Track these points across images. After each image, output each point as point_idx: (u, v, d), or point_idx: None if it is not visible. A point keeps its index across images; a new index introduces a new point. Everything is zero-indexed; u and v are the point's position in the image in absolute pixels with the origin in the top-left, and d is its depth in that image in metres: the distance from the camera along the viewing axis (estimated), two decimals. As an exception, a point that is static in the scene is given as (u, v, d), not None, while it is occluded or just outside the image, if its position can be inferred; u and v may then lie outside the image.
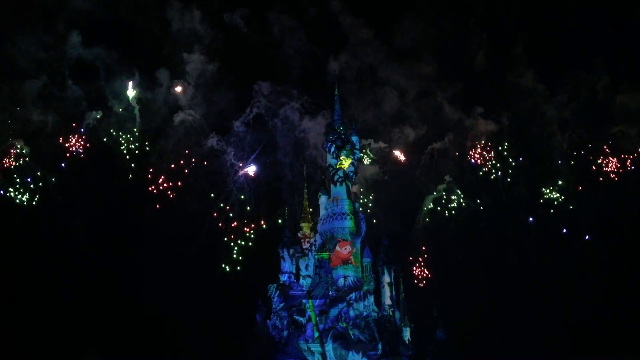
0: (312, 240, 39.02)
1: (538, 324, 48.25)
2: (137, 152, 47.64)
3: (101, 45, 47.56)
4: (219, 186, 47.93)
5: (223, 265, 45.81)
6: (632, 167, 49.18)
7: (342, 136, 35.81)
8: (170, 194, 46.99)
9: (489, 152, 50.98)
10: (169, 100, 49.26)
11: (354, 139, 36.65)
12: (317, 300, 34.40)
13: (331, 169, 35.81)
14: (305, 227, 40.43)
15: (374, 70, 52.63)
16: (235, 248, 46.32)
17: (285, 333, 34.86)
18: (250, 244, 46.68)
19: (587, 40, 53.03)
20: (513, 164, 50.94)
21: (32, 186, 44.89)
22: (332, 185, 36.02)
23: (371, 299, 34.58)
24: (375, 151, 49.84)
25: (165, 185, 46.99)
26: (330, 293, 34.13)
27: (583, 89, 51.73)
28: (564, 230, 49.73)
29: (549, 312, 48.17)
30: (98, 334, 45.03)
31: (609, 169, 49.60)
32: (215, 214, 47.14)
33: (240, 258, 46.03)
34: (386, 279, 36.62)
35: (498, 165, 50.62)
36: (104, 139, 47.69)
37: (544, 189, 50.10)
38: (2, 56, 45.53)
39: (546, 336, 47.89)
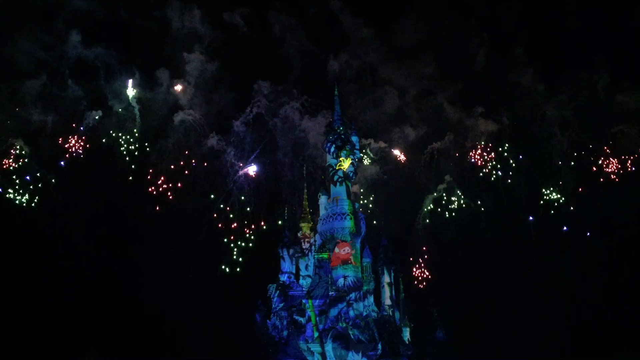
0: (312, 240, 39.00)
1: (538, 324, 48.25)
2: (136, 153, 47.59)
3: (101, 45, 47.62)
4: (219, 186, 47.99)
5: (223, 267, 45.76)
6: (633, 169, 49.08)
7: (342, 136, 35.77)
8: (169, 195, 47.01)
9: (489, 153, 50.93)
10: (168, 100, 49.29)
11: (354, 139, 36.62)
12: (317, 301, 34.36)
13: (331, 169, 35.79)
14: (305, 227, 40.42)
15: (374, 70, 52.80)
16: (235, 250, 46.27)
17: (285, 333, 34.87)
18: (250, 245, 46.65)
19: (587, 40, 53.15)
20: (513, 165, 50.88)
21: (31, 187, 44.83)
22: (331, 185, 36.00)
23: (371, 299, 34.55)
24: (376, 151, 49.84)
25: (164, 186, 46.96)
26: (330, 293, 34.09)
27: (583, 89, 51.72)
28: (565, 228, 49.59)
29: (549, 312, 48.18)
30: (98, 334, 45.01)
31: (610, 170, 49.53)
32: (215, 214, 47.17)
33: (240, 259, 45.99)
34: (386, 279, 36.59)
35: (498, 166, 50.53)
36: (104, 140, 47.66)
37: (544, 190, 50.04)
38: (1, 56, 45.44)
39: (546, 336, 47.88)
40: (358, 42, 52.18)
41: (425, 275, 47.79)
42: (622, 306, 47.20)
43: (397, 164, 50.90)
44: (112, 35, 48.57)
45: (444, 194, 50.28)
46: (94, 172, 47.46)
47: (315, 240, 37.67)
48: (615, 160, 49.59)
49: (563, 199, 49.70)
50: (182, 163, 47.67)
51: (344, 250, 34.14)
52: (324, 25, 52.71)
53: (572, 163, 50.58)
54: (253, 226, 47.08)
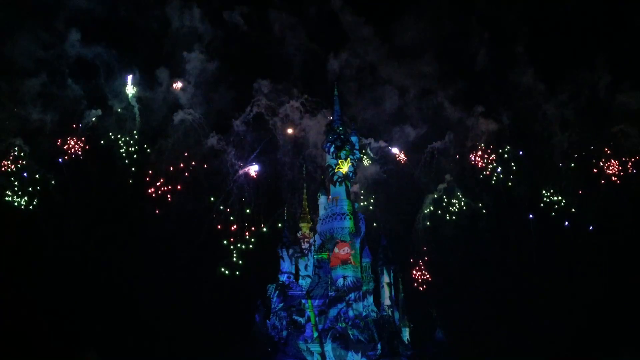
0: (311, 241, 39.01)
1: (538, 324, 48.24)
2: (135, 156, 47.55)
3: (101, 44, 47.54)
4: (219, 186, 47.94)
5: (222, 269, 45.74)
6: (634, 171, 48.98)
7: (342, 136, 35.71)
8: (168, 198, 47.00)
9: (489, 155, 50.85)
10: (168, 99, 49.25)
11: (354, 138, 36.54)
12: (317, 301, 34.36)
13: (330, 169, 35.72)
14: (305, 227, 40.41)
15: (374, 69, 52.68)
16: (235, 253, 46.25)
17: (284, 333, 34.87)
18: (250, 246, 46.61)
19: (588, 40, 53.07)
20: (514, 166, 50.80)
21: (30, 189, 44.79)
22: (331, 185, 35.93)
23: (370, 299, 34.60)
24: (376, 150, 49.77)
25: (163, 189, 46.91)
26: (330, 293, 34.09)
27: (584, 88, 51.66)
28: (566, 224, 49.47)
29: (549, 312, 48.15)
30: (98, 334, 45.05)
31: (611, 172, 49.43)
32: (214, 215, 47.15)
33: (240, 262, 45.97)
34: (385, 279, 36.68)
35: (499, 168, 50.44)
36: (102, 142, 47.58)
37: (544, 191, 49.97)
38: (1, 54, 45.35)
39: (546, 336, 47.88)
40: (358, 41, 52.15)
41: (425, 277, 47.76)
42: (623, 306, 47.19)
43: (397, 163, 50.90)
44: (111, 34, 48.62)
45: (444, 195, 50.22)
46: (94, 173, 47.49)
47: (314, 240, 37.70)
48: (617, 162, 49.49)
49: (564, 201, 49.60)
50: (182, 165, 47.64)
51: (343, 251, 34.12)
52: (324, 24, 52.72)
53: (573, 164, 50.53)
54: (253, 228, 47.06)
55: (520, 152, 51.47)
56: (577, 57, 52.29)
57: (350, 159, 35.38)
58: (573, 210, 49.15)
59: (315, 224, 37.26)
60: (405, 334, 36.52)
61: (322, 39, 51.96)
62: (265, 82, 49.16)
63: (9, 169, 44.41)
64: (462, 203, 50.00)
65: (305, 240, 39.90)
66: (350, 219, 34.57)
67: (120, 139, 47.54)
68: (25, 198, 44.44)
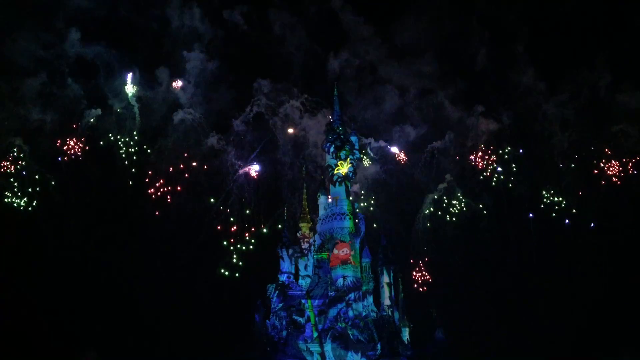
0: (311, 240, 39.00)
1: (538, 324, 48.20)
2: (134, 157, 47.50)
3: (101, 43, 47.52)
4: (219, 187, 47.92)
5: (222, 271, 45.72)
6: (635, 172, 48.91)
7: (341, 136, 35.67)
8: (168, 198, 46.97)
9: (490, 156, 50.79)
10: (168, 99, 49.22)
11: (353, 138, 36.53)
12: (316, 301, 34.38)
13: (330, 169, 35.70)
14: (305, 227, 40.39)
15: (374, 69, 52.63)
16: (235, 254, 46.22)
17: (284, 333, 34.88)
18: (251, 247, 46.58)
19: (588, 39, 52.99)
20: (514, 166, 50.74)
21: (30, 190, 44.77)
22: (331, 185, 35.91)
23: (370, 299, 34.61)
24: (376, 150, 49.72)
25: (162, 190, 46.88)
26: (330, 293, 34.10)
27: (584, 88, 51.58)
28: (567, 221, 49.41)
29: (549, 312, 48.13)
30: (98, 334, 45.06)
31: (611, 173, 49.36)
32: (214, 215, 47.14)
33: (240, 263, 45.92)
34: (385, 279, 36.69)
35: (499, 169, 50.37)
36: (101, 143, 47.56)
37: (544, 192, 49.93)
38: (1, 54, 45.31)
39: (546, 336, 47.86)
40: (358, 41, 52.11)
41: (425, 278, 47.74)
42: (623, 306, 47.17)
43: (397, 163, 50.84)
44: (111, 33, 48.62)
45: (444, 195, 50.18)
46: (93, 173, 47.47)
47: (314, 240, 37.70)
48: (617, 163, 49.43)
49: (564, 202, 49.55)
50: (182, 166, 47.61)
51: (343, 251, 34.12)
52: (324, 24, 52.66)
53: (573, 165, 50.48)
54: (253, 229, 47.03)
55: (521, 151, 51.46)
56: (577, 56, 52.28)
57: (350, 159, 35.34)
58: (574, 211, 49.11)
59: (315, 224, 37.26)
60: (405, 334, 36.49)
61: (322, 38, 52.02)
62: (265, 81, 49.23)
63: (8, 170, 44.41)
64: (463, 203, 49.97)
65: (305, 240, 39.88)
66: (350, 219, 34.56)
67: (120, 140, 47.55)
68: (25, 199, 44.45)
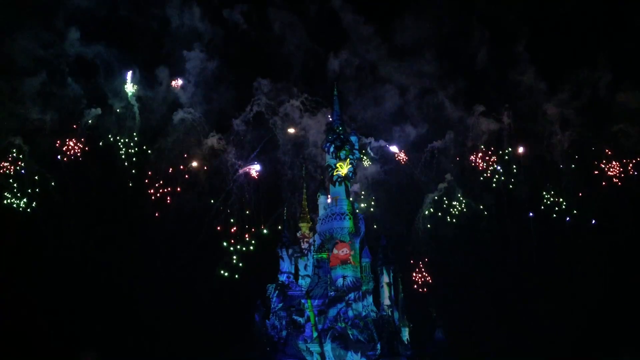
0: (311, 240, 38.97)
1: (538, 324, 48.19)
2: (134, 159, 47.47)
3: (101, 43, 47.47)
4: (219, 187, 47.91)
5: (222, 272, 45.69)
6: (635, 172, 48.86)
7: (341, 136, 35.60)
8: (168, 199, 46.95)
9: (490, 157, 50.75)
10: (168, 98, 49.21)
11: (353, 138, 36.46)
12: (316, 300, 34.36)
13: (330, 169, 35.65)
14: (304, 227, 40.37)
15: (374, 68, 52.60)
16: (234, 255, 46.19)
17: (284, 333, 34.83)
18: (251, 247, 46.55)
19: (589, 38, 52.93)
20: (514, 168, 50.72)
21: (29, 190, 44.74)
22: (331, 185, 35.85)
23: (370, 299, 34.55)
24: (376, 150, 49.70)
25: (161, 191, 46.84)
26: (329, 293, 34.06)
27: (584, 88, 51.55)
28: (567, 219, 49.40)
29: (549, 312, 48.09)
30: (98, 334, 45.06)
31: (612, 174, 49.30)
32: (214, 216, 47.14)
33: (240, 265, 45.88)
34: (385, 279, 36.60)
35: (500, 169, 50.33)
36: (101, 143, 47.54)
37: (544, 193, 49.89)
38: (1, 53, 45.29)
39: (546, 336, 47.84)
40: (358, 40, 52.08)
41: (425, 279, 47.71)
42: (623, 306, 47.16)
43: (397, 163, 50.84)
44: (111, 33, 48.60)
45: (444, 195, 50.16)
46: (93, 173, 47.46)
47: (314, 240, 37.66)
48: (617, 164, 49.39)
49: (564, 202, 49.52)
50: (182, 167, 47.60)
51: (342, 251, 34.05)
52: (324, 23, 52.64)
53: (573, 165, 50.44)
54: (253, 230, 47.00)
55: (521, 149, 51.43)
56: (577, 56, 52.27)
57: (350, 159, 35.26)
58: (575, 212, 49.07)
59: (315, 223, 37.21)
60: (405, 334, 36.46)
61: (322, 38, 52.00)
62: (265, 81, 49.27)
63: (8, 171, 44.39)
64: (463, 204, 49.94)
65: (305, 240, 39.86)
66: (349, 219, 34.49)
67: (120, 140, 47.53)
68: (25, 200, 44.42)
